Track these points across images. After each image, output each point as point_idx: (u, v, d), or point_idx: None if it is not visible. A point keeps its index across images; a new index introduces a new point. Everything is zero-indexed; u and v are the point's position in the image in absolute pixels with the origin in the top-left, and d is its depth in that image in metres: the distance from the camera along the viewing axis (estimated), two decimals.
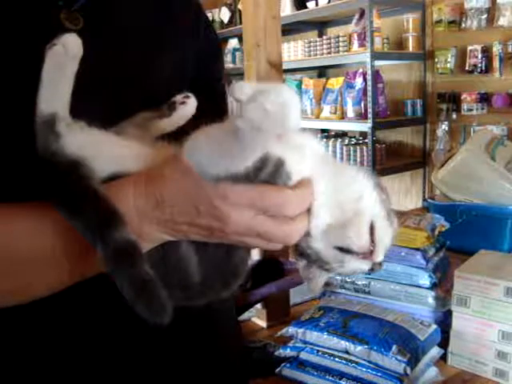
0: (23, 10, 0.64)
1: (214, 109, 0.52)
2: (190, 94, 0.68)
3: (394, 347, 1.04)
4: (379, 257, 0.60)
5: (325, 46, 4.30)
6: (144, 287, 0.51)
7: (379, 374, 1.04)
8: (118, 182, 0.57)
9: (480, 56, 3.50)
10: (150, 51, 0.74)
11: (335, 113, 4.21)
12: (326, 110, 4.29)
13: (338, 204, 0.58)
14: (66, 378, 0.67)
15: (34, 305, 0.59)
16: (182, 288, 0.58)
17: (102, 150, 0.59)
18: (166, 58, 0.76)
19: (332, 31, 4.69)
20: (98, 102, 0.63)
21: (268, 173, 0.52)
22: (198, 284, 0.59)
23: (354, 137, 4.43)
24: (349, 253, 0.58)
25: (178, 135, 0.54)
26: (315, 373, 1.11)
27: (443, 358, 1.16)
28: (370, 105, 3.72)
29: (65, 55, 0.55)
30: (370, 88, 3.70)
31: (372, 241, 0.59)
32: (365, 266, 0.60)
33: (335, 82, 4.30)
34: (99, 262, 0.51)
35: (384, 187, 0.63)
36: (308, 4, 4.35)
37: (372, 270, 0.60)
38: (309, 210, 0.57)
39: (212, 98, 0.78)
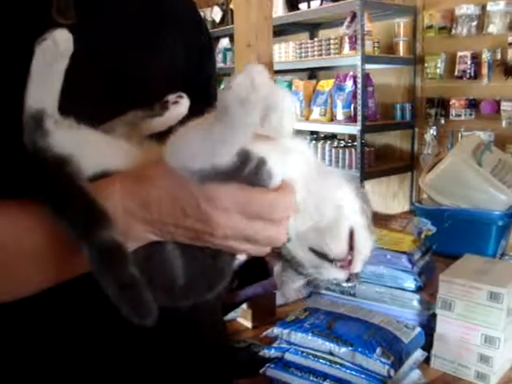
0: (15, 4, 0.64)
1: (205, 109, 0.52)
2: (182, 94, 0.68)
3: (378, 349, 1.04)
4: (357, 267, 0.59)
5: (316, 48, 4.31)
6: (129, 288, 0.51)
7: (363, 376, 1.05)
8: (105, 181, 0.56)
9: (469, 62, 3.53)
10: (142, 49, 0.74)
11: (325, 115, 4.22)
12: (316, 111, 4.29)
13: (319, 209, 0.57)
14: (50, 375, 0.67)
15: (19, 304, 0.59)
16: (166, 289, 0.58)
17: (90, 149, 0.58)
18: (158, 55, 0.76)
19: (323, 33, 4.70)
20: (88, 100, 0.62)
21: (250, 170, 0.52)
22: (183, 286, 0.59)
23: (343, 139, 4.45)
24: (326, 259, 0.58)
25: (169, 135, 0.54)
26: (299, 373, 1.11)
27: (427, 360, 1.17)
28: (359, 108, 3.73)
29: (55, 51, 0.55)
30: (359, 91, 3.72)
31: (351, 249, 0.58)
32: (341, 275, 0.59)
33: (325, 84, 4.31)
34: (85, 262, 0.51)
35: (367, 198, 0.63)
36: (300, 6, 4.36)
37: (348, 280, 0.59)
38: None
39: (203, 97, 0.78)
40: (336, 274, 0.58)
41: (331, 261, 0.58)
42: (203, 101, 0.72)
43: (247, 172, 0.52)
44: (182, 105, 0.67)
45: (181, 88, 0.69)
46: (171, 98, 0.68)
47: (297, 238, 0.58)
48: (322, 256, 0.57)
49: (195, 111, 0.54)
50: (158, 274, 0.57)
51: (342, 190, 0.59)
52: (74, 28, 0.57)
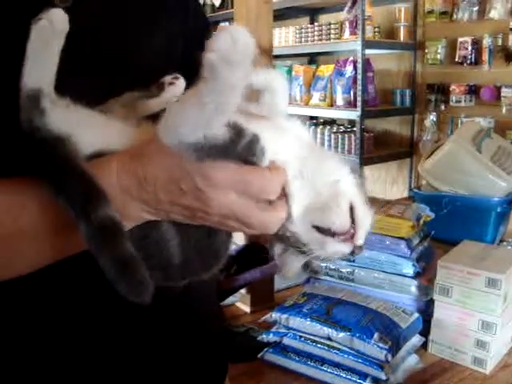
0: None
1: None
2: (178, 75, 0.68)
3: (376, 334, 1.05)
4: (360, 239, 0.59)
5: (316, 33, 4.29)
6: (126, 265, 0.51)
7: (360, 361, 1.05)
8: (102, 160, 0.56)
9: (470, 48, 3.51)
10: (139, 30, 0.74)
11: (324, 100, 4.21)
12: (316, 97, 4.28)
13: (316, 186, 0.58)
14: (46, 353, 0.67)
15: (14, 282, 0.59)
16: (161, 268, 0.58)
17: (87, 128, 0.58)
18: (155, 37, 0.75)
19: (324, 18, 4.67)
20: (84, 80, 0.62)
21: (243, 146, 0.52)
22: (178, 265, 0.59)
23: (343, 125, 4.44)
24: (329, 234, 0.58)
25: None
26: (297, 358, 1.12)
27: (424, 346, 1.18)
28: (359, 93, 3.72)
29: (51, 30, 0.54)
30: (359, 76, 3.70)
31: (352, 222, 0.59)
32: (345, 248, 0.59)
33: (325, 70, 4.29)
34: (82, 240, 0.51)
35: (362, 173, 0.63)
36: None
37: (353, 253, 0.60)
38: (287, 195, 0.57)
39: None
40: (340, 247, 0.59)
41: (334, 235, 0.58)
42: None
43: (241, 147, 0.52)
44: (178, 86, 0.67)
45: (177, 69, 0.69)
46: (167, 79, 0.68)
47: (298, 216, 0.58)
48: (325, 232, 0.58)
49: None
50: (154, 253, 0.57)
51: (337, 167, 0.60)
52: (71, 10, 0.57)
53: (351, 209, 0.58)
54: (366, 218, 0.60)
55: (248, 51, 0.47)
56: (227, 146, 0.51)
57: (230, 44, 0.46)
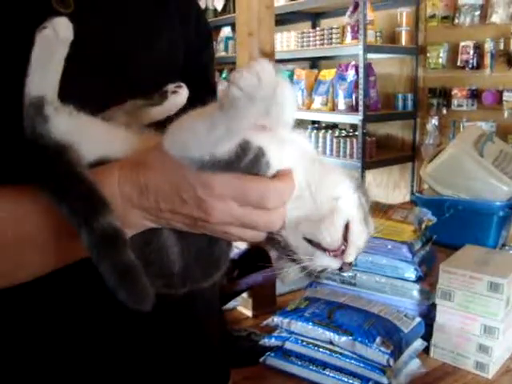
0: None
1: (202, 98, 0.52)
2: (182, 84, 0.68)
3: (378, 339, 1.05)
4: (350, 257, 0.59)
5: (318, 38, 4.30)
6: (127, 273, 0.51)
7: (362, 365, 1.05)
8: (103, 168, 0.57)
9: (472, 52, 3.51)
10: (141, 37, 0.74)
11: (326, 104, 4.21)
12: (318, 101, 4.28)
13: (316, 200, 0.57)
14: (48, 358, 0.67)
15: (17, 290, 0.59)
16: (162, 276, 0.59)
17: (90, 136, 0.58)
18: (157, 43, 0.76)
19: (325, 23, 4.68)
20: (86, 87, 0.62)
21: (248, 160, 0.52)
22: (179, 273, 0.59)
23: (345, 129, 4.44)
24: (319, 248, 0.58)
25: (168, 124, 0.54)
26: (299, 362, 1.12)
27: (426, 350, 1.17)
28: (361, 97, 3.73)
29: (55, 39, 0.55)
30: (361, 81, 3.71)
31: (345, 240, 0.58)
32: (334, 264, 0.59)
33: (327, 74, 4.30)
34: (84, 248, 0.51)
35: (366, 191, 0.63)
36: None
37: (341, 269, 0.60)
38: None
39: (200, 85, 0.78)
40: (329, 262, 0.59)
41: (324, 249, 0.58)
42: (200, 89, 0.72)
43: (246, 162, 0.52)
44: (181, 94, 0.68)
45: (179, 76, 0.69)
46: (170, 87, 0.68)
47: (291, 225, 0.58)
48: (316, 245, 0.58)
49: (192, 100, 0.54)
50: (155, 261, 0.58)
51: (340, 183, 0.60)
52: (73, 16, 0.57)
53: (347, 226, 0.58)
54: (360, 238, 0.60)
55: (271, 90, 0.47)
56: (232, 161, 0.52)
57: (256, 84, 0.46)
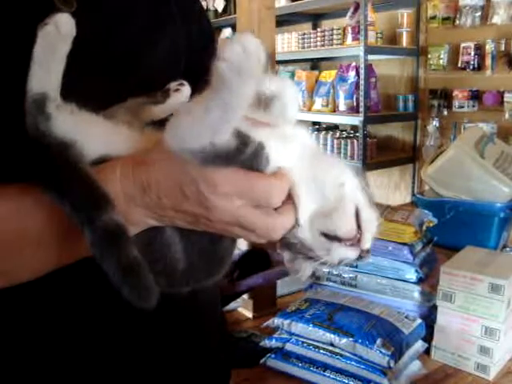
0: None
1: None
2: (184, 82, 0.68)
3: (379, 340, 1.04)
4: (367, 243, 0.59)
5: (318, 39, 4.30)
6: (131, 270, 0.51)
7: (363, 367, 1.05)
8: (105, 166, 0.57)
9: (473, 53, 3.51)
10: (143, 35, 0.74)
11: (327, 106, 4.21)
12: (318, 102, 4.29)
13: (321, 192, 0.57)
14: (52, 356, 0.67)
15: (21, 288, 0.59)
16: (165, 275, 0.58)
17: (92, 134, 0.58)
18: (159, 43, 0.76)
19: (326, 24, 4.68)
20: (88, 85, 0.62)
21: (249, 154, 0.52)
22: (182, 271, 0.59)
23: (346, 130, 4.44)
24: (335, 240, 0.58)
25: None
26: (300, 364, 1.12)
27: (427, 351, 1.17)
28: (361, 99, 3.72)
29: (57, 35, 0.55)
30: (362, 82, 3.71)
31: (358, 227, 0.58)
32: (352, 253, 0.59)
33: (328, 75, 4.30)
34: (86, 245, 0.51)
35: (366, 178, 0.63)
36: None
37: (360, 257, 0.59)
38: (294, 202, 0.57)
39: (203, 87, 0.78)
40: (347, 252, 0.58)
41: (341, 241, 0.58)
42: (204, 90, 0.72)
43: (246, 155, 0.52)
44: (183, 92, 0.68)
45: (181, 76, 0.69)
46: (173, 85, 0.68)
47: (305, 223, 0.58)
48: (332, 237, 0.57)
49: None
50: (158, 259, 0.57)
51: (341, 171, 0.59)
52: (76, 15, 0.57)
53: (357, 213, 0.58)
54: (371, 222, 0.60)
55: (259, 62, 0.47)
56: (232, 153, 0.51)
57: (242, 55, 0.45)
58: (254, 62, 0.46)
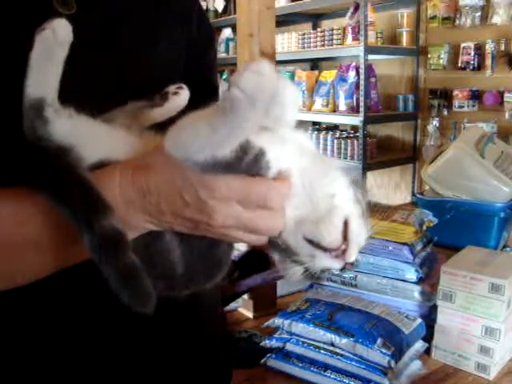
0: None
1: (204, 99, 0.52)
2: (183, 85, 0.68)
3: (379, 340, 1.05)
4: (351, 257, 0.58)
5: (318, 39, 4.29)
6: (130, 276, 0.51)
7: (363, 367, 1.05)
8: (104, 170, 0.57)
9: (473, 53, 3.51)
10: (143, 38, 0.74)
11: (327, 106, 4.21)
12: (318, 102, 4.28)
13: (314, 198, 0.57)
14: (51, 360, 0.67)
15: (19, 291, 0.59)
16: (164, 278, 0.58)
17: (90, 138, 0.58)
18: (159, 44, 0.76)
19: (326, 24, 4.68)
20: (88, 89, 0.62)
21: (249, 161, 0.52)
22: (181, 275, 0.59)
23: (346, 130, 4.44)
24: (320, 248, 0.58)
25: (169, 126, 0.54)
26: (300, 364, 1.12)
27: (427, 351, 1.17)
28: (362, 99, 3.72)
29: (54, 40, 0.55)
30: (362, 82, 3.71)
31: (345, 238, 0.58)
32: (336, 264, 0.58)
33: (328, 75, 4.30)
34: (85, 250, 0.51)
35: (364, 186, 0.62)
36: None
37: (343, 269, 0.59)
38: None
39: (203, 87, 0.78)
40: (330, 263, 0.58)
41: (325, 250, 0.57)
42: (203, 91, 0.72)
43: (247, 162, 0.52)
44: (182, 96, 0.67)
45: (181, 77, 0.69)
46: (171, 88, 0.68)
47: (291, 227, 0.57)
48: (316, 245, 0.57)
49: (195, 101, 0.54)
50: (157, 263, 0.58)
51: (335, 180, 0.59)
52: (74, 17, 0.57)
53: (346, 224, 0.58)
54: (359, 235, 0.59)
55: (272, 92, 0.47)
56: (234, 161, 0.51)
57: (257, 86, 0.46)
58: (268, 92, 0.47)
